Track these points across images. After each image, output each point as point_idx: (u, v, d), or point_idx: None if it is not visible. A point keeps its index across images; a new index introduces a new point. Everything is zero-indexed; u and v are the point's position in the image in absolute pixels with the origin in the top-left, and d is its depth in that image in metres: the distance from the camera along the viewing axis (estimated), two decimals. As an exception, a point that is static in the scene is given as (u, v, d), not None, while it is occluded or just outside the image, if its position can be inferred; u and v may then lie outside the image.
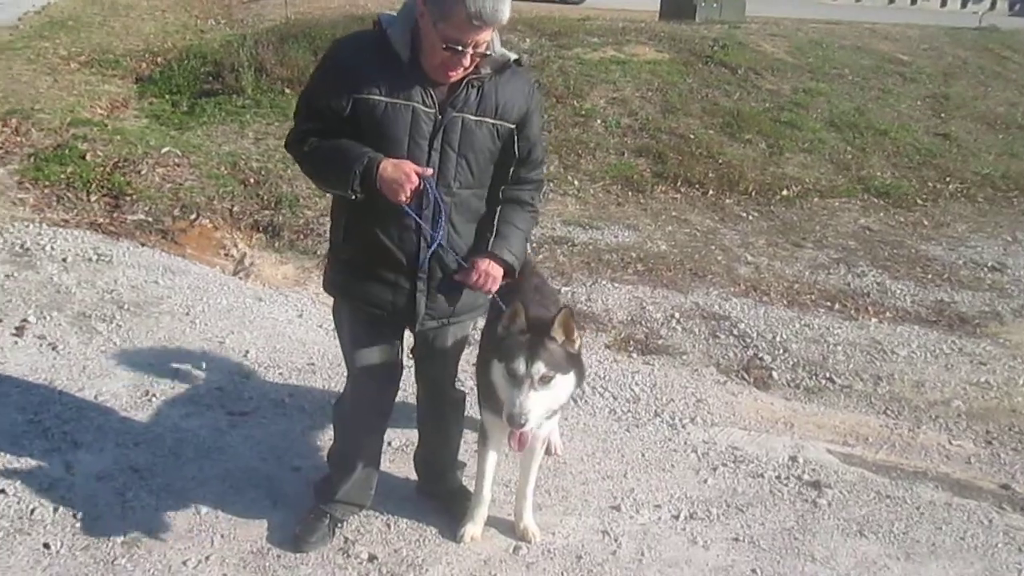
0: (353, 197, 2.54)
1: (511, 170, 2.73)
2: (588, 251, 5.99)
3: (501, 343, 2.61)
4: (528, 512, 3.11)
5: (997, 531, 3.40)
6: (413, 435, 3.39)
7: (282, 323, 4.65)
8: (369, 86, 2.50)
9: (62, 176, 6.19)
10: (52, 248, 5.09)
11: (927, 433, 4.17)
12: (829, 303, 5.53)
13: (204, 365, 4.10)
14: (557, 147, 7.66)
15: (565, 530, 3.18)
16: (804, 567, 3.11)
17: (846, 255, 6.39)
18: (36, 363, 3.94)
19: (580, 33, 10.60)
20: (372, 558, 2.94)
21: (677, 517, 3.31)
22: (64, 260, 4.98)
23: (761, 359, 4.74)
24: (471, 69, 2.52)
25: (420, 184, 2.50)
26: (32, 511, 2.99)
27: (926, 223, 7.31)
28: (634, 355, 4.71)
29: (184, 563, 2.84)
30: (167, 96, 8.81)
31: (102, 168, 6.37)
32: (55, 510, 3.01)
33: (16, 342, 4.10)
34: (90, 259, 5.04)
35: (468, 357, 3.25)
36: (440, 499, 3.22)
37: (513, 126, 2.65)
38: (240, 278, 5.24)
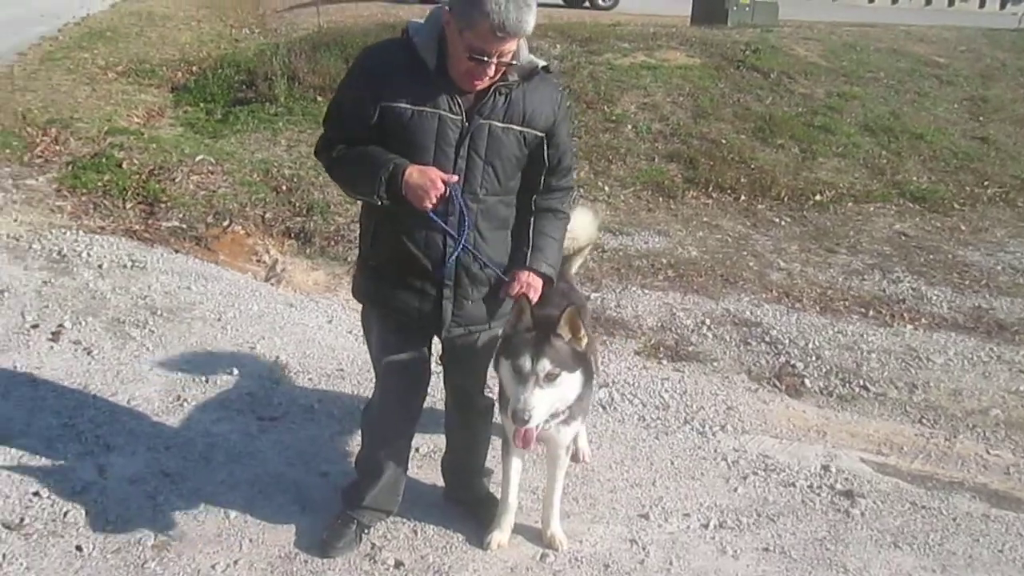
0: (379, 203, 2.55)
1: (541, 178, 2.73)
2: (618, 257, 5.96)
3: (507, 340, 2.61)
4: (555, 520, 3.09)
5: (1036, 543, 3.32)
6: (440, 441, 3.39)
7: (312, 329, 4.68)
8: (396, 94, 2.52)
9: (99, 184, 6.31)
10: (88, 255, 5.18)
11: (964, 443, 4.08)
12: (863, 309, 5.45)
13: (235, 370, 4.14)
14: (587, 153, 7.64)
15: (593, 538, 3.15)
16: (836, 578, 3.06)
17: (881, 261, 6.29)
18: (71, 368, 4.00)
19: (611, 39, 10.57)
20: (399, 564, 2.94)
21: (706, 526, 3.28)
22: (100, 266, 5.06)
23: (793, 366, 4.68)
24: (498, 77, 2.52)
25: (446, 191, 2.50)
26: (65, 514, 3.04)
27: (963, 228, 7.17)
28: (664, 362, 4.67)
29: (213, 567, 2.87)
30: (202, 104, 8.97)
31: (138, 176, 6.48)
32: (87, 513, 3.06)
33: (52, 347, 4.17)
34: (125, 265, 5.12)
35: (496, 364, 3.25)
36: (467, 506, 3.21)
37: (541, 134, 2.65)
38: (272, 284, 5.29)
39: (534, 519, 3.15)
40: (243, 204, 6.22)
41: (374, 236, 2.73)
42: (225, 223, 5.93)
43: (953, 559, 3.20)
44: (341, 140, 2.63)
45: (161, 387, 3.93)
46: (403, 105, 2.51)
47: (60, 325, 4.36)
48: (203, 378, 4.04)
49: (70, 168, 6.57)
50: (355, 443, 3.48)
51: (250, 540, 3.01)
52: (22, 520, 2.99)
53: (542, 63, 2.64)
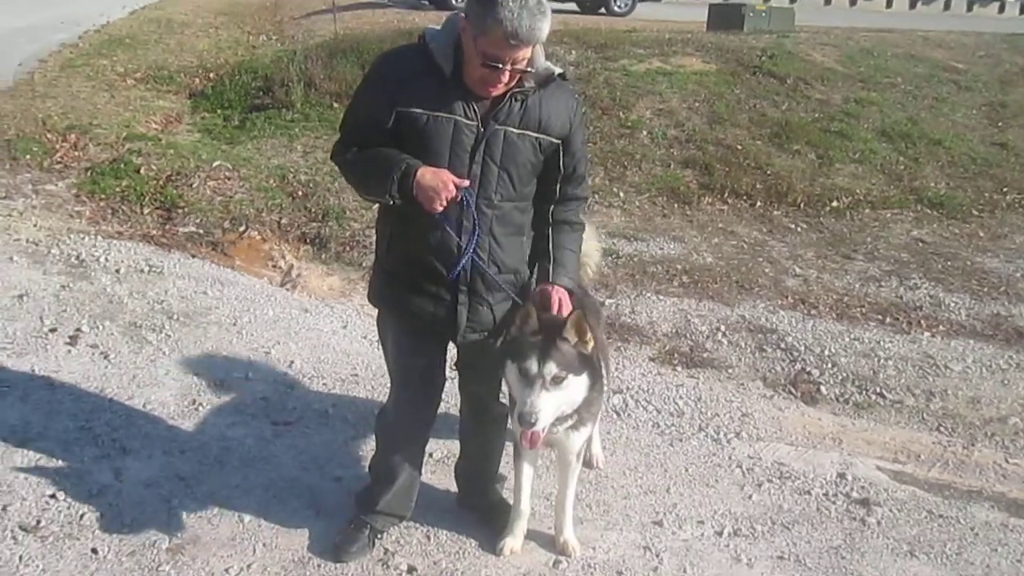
0: (391, 203, 2.57)
1: (557, 186, 2.74)
2: (633, 263, 5.95)
3: (514, 344, 2.61)
4: (568, 526, 3.08)
5: (1056, 554, 3.28)
6: (454, 447, 3.40)
7: (327, 334, 4.69)
8: (412, 99, 2.53)
9: (117, 189, 6.37)
10: (106, 259, 5.22)
11: (982, 451, 4.04)
12: (880, 316, 5.41)
13: (250, 375, 4.16)
14: (603, 159, 7.64)
15: (606, 545, 3.14)
16: (852, 587, 3.03)
17: (898, 267, 6.24)
18: (88, 371, 4.03)
19: (626, 45, 10.57)
20: (411, 569, 2.94)
21: (721, 534, 3.26)
22: (117, 271, 5.10)
23: (809, 373, 4.65)
24: (514, 84, 2.53)
25: (457, 195, 2.51)
26: (81, 516, 3.06)
27: (982, 235, 7.11)
28: (679, 368, 4.65)
29: (226, 571, 2.88)
30: (219, 111, 9.03)
31: (155, 181, 6.54)
32: (103, 516, 3.07)
33: (70, 351, 4.20)
34: (142, 270, 5.16)
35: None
36: (480, 511, 3.21)
37: (556, 141, 2.65)
38: (287, 289, 5.31)
39: (547, 525, 3.15)
40: (259, 210, 6.26)
41: (390, 241, 2.74)
42: (241, 228, 5.96)
43: (971, 569, 3.16)
44: (356, 144, 2.65)
45: (177, 391, 3.95)
46: (418, 111, 2.52)
47: (78, 329, 4.39)
48: (218, 382, 4.06)
49: (89, 174, 6.64)
50: (369, 448, 3.49)
51: (264, 544, 3.01)
52: (38, 522, 3.01)
53: (559, 70, 2.65)
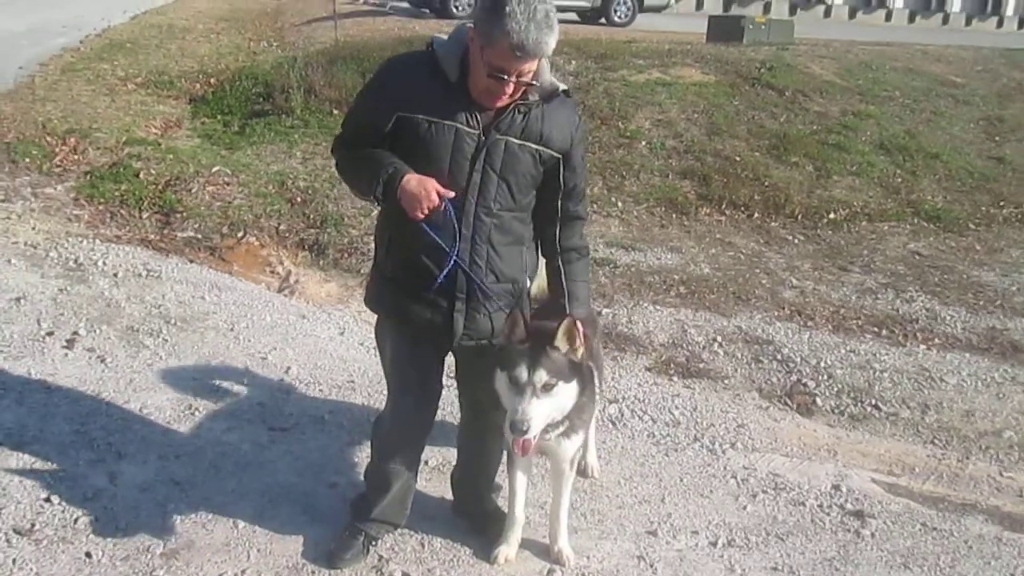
0: (376, 204, 2.63)
1: (558, 203, 2.76)
2: (630, 273, 5.96)
3: (503, 352, 2.62)
4: (562, 535, 3.08)
5: (1049, 568, 3.29)
6: (449, 455, 3.41)
7: (324, 340, 4.70)
8: (414, 104, 2.55)
9: (116, 193, 6.39)
10: (104, 263, 5.23)
11: (977, 464, 4.05)
12: (876, 329, 5.42)
13: (246, 381, 4.17)
14: (601, 168, 7.66)
15: (600, 554, 3.14)
16: (845, 599, 3.04)
17: (894, 280, 6.26)
18: (85, 375, 4.03)
19: (626, 55, 10.61)
20: (405, 577, 2.94)
21: (715, 544, 3.26)
22: (115, 275, 5.11)
23: (805, 385, 4.66)
24: (518, 96, 2.54)
25: (440, 204, 2.53)
26: (76, 520, 3.06)
27: (978, 248, 7.13)
28: (675, 378, 4.66)
29: (220, 576, 2.88)
30: (219, 116, 9.05)
31: (154, 186, 6.56)
32: (98, 520, 3.07)
33: (67, 354, 4.20)
34: (140, 274, 5.17)
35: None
36: (475, 520, 3.21)
37: (557, 155, 2.67)
38: (285, 295, 5.32)
39: (542, 534, 3.15)
40: (258, 215, 6.27)
41: (388, 246, 2.76)
42: (240, 234, 5.98)
43: (964, 582, 3.17)
44: (353, 143, 2.69)
45: (173, 396, 3.95)
46: (421, 116, 2.55)
47: (75, 332, 4.40)
48: (215, 388, 4.07)
49: (88, 177, 6.65)
50: (365, 455, 3.49)
51: (258, 550, 3.01)
52: (33, 526, 3.01)
53: (563, 86, 2.67)
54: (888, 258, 6.72)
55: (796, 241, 6.95)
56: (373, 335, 3.05)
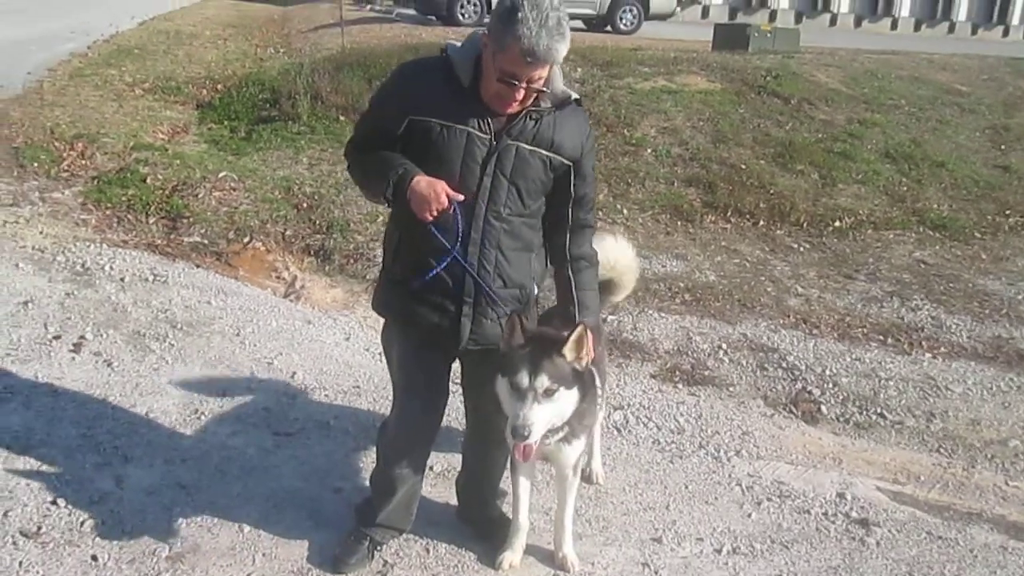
0: (386, 204, 2.66)
1: (569, 211, 2.77)
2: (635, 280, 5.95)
3: (504, 358, 2.62)
4: (567, 541, 3.08)
5: (1055, 577, 3.28)
6: (454, 460, 3.41)
7: (329, 346, 4.71)
8: (427, 108, 2.58)
9: (123, 198, 6.41)
10: (111, 268, 5.25)
11: (982, 473, 4.04)
12: (881, 337, 5.42)
13: (252, 385, 4.18)
14: (607, 176, 7.67)
15: (605, 561, 3.14)
16: (850, 607, 3.03)
17: (900, 288, 6.26)
18: (91, 379, 4.05)
19: (632, 63, 10.64)
20: (410, 582, 2.95)
21: (720, 551, 3.26)
22: (122, 280, 5.13)
23: (810, 392, 4.66)
24: (530, 102, 2.56)
25: (449, 207, 2.54)
26: (82, 523, 3.07)
27: (984, 257, 7.12)
28: (680, 386, 4.66)
29: (226, 580, 2.88)
30: (226, 122, 9.09)
31: (161, 191, 6.58)
32: (104, 523, 3.08)
33: (73, 358, 4.22)
34: (146, 279, 5.18)
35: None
36: (480, 526, 3.21)
37: (567, 162, 2.69)
38: (290, 301, 5.33)
39: (547, 540, 3.15)
40: (264, 221, 6.29)
41: (396, 249, 2.77)
42: (246, 239, 5.99)
43: (970, 591, 3.16)
44: (365, 146, 2.72)
45: (179, 400, 3.96)
46: (433, 120, 2.57)
47: (82, 337, 4.41)
48: (220, 392, 4.07)
49: (95, 182, 6.67)
50: (369, 460, 3.50)
51: (263, 554, 3.02)
52: (39, 528, 3.02)
53: (575, 95, 2.69)
54: (893, 266, 6.71)
55: (801, 249, 6.95)
56: (378, 341, 3.06)
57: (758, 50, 12.99)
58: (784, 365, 4.92)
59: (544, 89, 2.53)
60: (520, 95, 2.49)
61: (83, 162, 7.11)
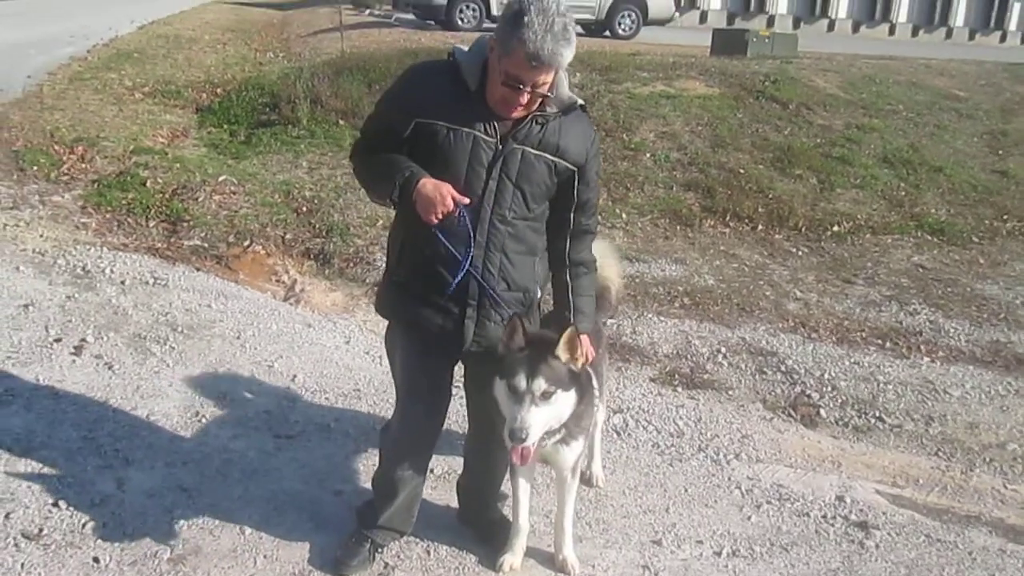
0: (392, 206, 2.68)
1: (571, 215, 2.78)
2: (634, 284, 5.98)
3: (502, 360, 2.63)
4: (567, 544, 3.09)
5: (1054, 580, 3.29)
6: (455, 463, 3.42)
7: (330, 349, 4.72)
8: (433, 111, 2.59)
9: (123, 202, 6.42)
10: (111, 271, 5.26)
11: (981, 476, 4.05)
12: (880, 341, 5.44)
13: (253, 388, 4.19)
14: (606, 180, 7.68)
15: (605, 563, 3.15)
16: (850, 610, 3.04)
17: (898, 292, 6.27)
18: (92, 382, 4.06)
19: (630, 68, 10.67)
20: (411, 584, 2.95)
21: (719, 554, 3.27)
22: (122, 283, 5.14)
23: (809, 396, 4.67)
24: (535, 107, 2.58)
25: (455, 210, 2.55)
26: (83, 525, 3.07)
27: (982, 261, 7.15)
28: (679, 389, 4.67)
29: (227, 582, 2.89)
30: (225, 126, 9.10)
31: (161, 195, 6.59)
32: (105, 525, 3.09)
33: (74, 361, 4.23)
34: (147, 282, 5.19)
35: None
36: (481, 528, 3.22)
37: (572, 167, 2.70)
38: (290, 304, 5.34)
39: (547, 543, 3.16)
40: (264, 224, 6.30)
41: (401, 251, 2.78)
42: (246, 243, 6.00)
43: (968, 593, 3.18)
44: (371, 148, 2.72)
45: (180, 403, 3.97)
46: (439, 123, 2.58)
47: (83, 339, 4.42)
48: (221, 395, 4.08)
49: (95, 186, 6.69)
50: (370, 463, 3.51)
51: (264, 556, 3.03)
52: (41, 530, 3.03)
53: (580, 101, 2.71)
54: (892, 271, 6.73)
55: (800, 253, 6.97)
56: (379, 344, 3.08)
57: (756, 55, 13.01)
58: (783, 369, 4.93)
59: (549, 94, 2.55)
60: (525, 99, 2.51)
61: (83, 165, 7.13)
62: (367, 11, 21.80)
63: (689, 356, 5.03)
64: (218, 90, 10.64)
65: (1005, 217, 8.09)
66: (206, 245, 5.91)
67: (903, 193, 8.31)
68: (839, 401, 4.64)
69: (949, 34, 30.71)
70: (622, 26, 18.15)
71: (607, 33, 17.77)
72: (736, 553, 3.28)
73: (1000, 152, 9.74)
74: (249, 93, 9.97)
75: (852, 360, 5.12)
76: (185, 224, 6.16)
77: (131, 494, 3.28)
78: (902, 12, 30.60)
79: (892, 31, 30.23)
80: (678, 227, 7.23)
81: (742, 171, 8.21)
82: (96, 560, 2.92)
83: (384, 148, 2.67)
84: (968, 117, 10.64)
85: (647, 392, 4.59)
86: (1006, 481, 4.02)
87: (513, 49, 2.41)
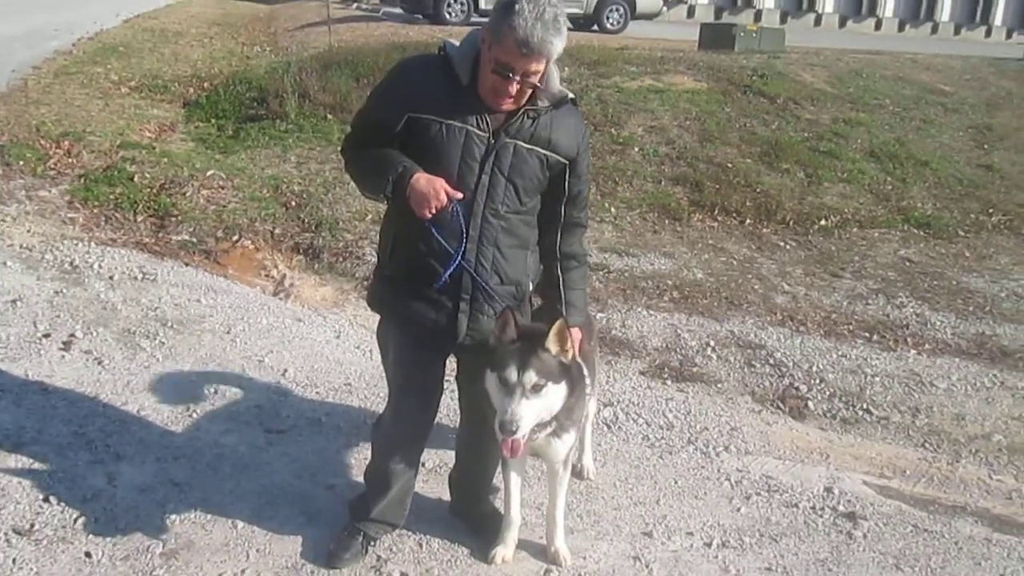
0: (385, 201, 2.69)
1: (562, 208, 2.80)
2: (624, 278, 6.00)
3: (493, 353, 2.64)
4: (559, 536, 3.11)
5: (1038, 568, 3.33)
6: (446, 456, 3.43)
7: (320, 343, 4.72)
8: (426, 106, 2.59)
9: (111, 197, 6.38)
10: (100, 266, 5.24)
11: (967, 467, 4.10)
12: (867, 334, 5.48)
13: (243, 383, 4.18)
14: (595, 175, 7.69)
15: (596, 555, 3.17)
16: (838, 599, 3.07)
17: (885, 286, 6.32)
18: (82, 377, 4.04)
19: (619, 62, 10.69)
20: (404, 577, 2.97)
21: (709, 545, 3.29)
22: (111, 278, 5.12)
23: (797, 389, 4.71)
24: (527, 99, 2.60)
25: (448, 205, 2.56)
26: (75, 520, 3.07)
27: (968, 255, 7.21)
28: (668, 382, 4.70)
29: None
30: (213, 120, 9.06)
31: (149, 189, 6.55)
32: (97, 520, 3.08)
33: (64, 356, 4.21)
34: (136, 277, 5.17)
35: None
36: (473, 521, 3.23)
37: (564, 161, 2.72)
38: (280, 299, 5.33)
39: (539, 535, 3.17)
40: (252, 219, 6.28)
41: (393, 246, 2.78)
42: (234, 237, 5.98)
43: (955, 582, 3.21)
44: (363, 143, 2.73)
45: (170, 398, 3.96)
46: (432, 117, 2.59)
47: (71, 335, 4.40)
48: (212, 390, 4.08)
49: (82, 181, 6.64)
50: (361, 456, 3.52)
51: (257, 550, 3.03)
52: (32, 526, 3.02)
53: (571, 95, 2.72)
54: (879, 264, 6.78)
55: (788, 247, 7.01)
56: (369, 338, 3.08)
57: (744, 50, 13.07)
58: (771, 362, 4.97)
59: (538, 85, 2.55)
60: (514, 89, 2.51)
61: (69, 160, 7.08)
62: (354, 5, 21.72)
63: (678, 349, 5.06)
64: (205, 84, 10.58)
65: (991, 211, 8.16)
66: (194, 240, 5.88)
67: (890, 187, 8.37)
68: (827, 393, 4.68)
69: (935, 29, 30.87)
70: (610, 20, 18.18)
71: (595, 27, 17.78)
72: (726, 544, 3.31)
73: (985, 146, 9.82)
74: (236, 87, 9.92)
75: (840, 353, 5.16)
76: (173, 219, 6.13)
77: (122, 489, 3.28)
78: (888, 7, 30.75)
79: (878, 26, 30.37)
80: (667, 221, 7.25)
81: (730, 165, 8.24)
82: (88, 555, 2.92)
83: (375, 143, 2.67)
84: (954, 112, 10.71)
85: (637, 385, 4.61)
86: (991, 472, 4.07)
87: (504, 36, 2.43)
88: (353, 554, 2.99)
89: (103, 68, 11.07)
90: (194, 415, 3.86)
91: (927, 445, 4.27)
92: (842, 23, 30.19)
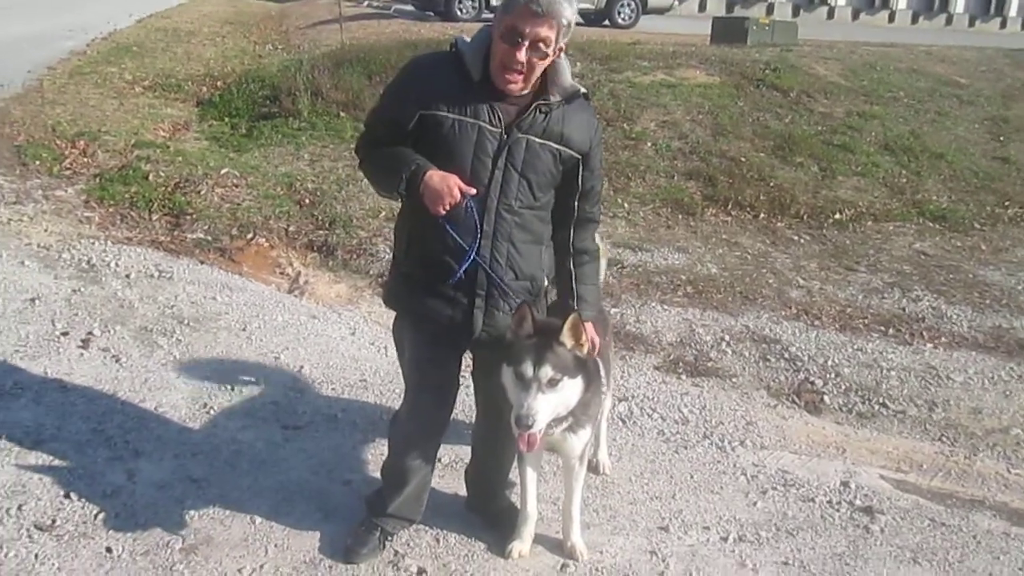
0: (399, 199, 2.70)
1: (575, 203, 2.81)
2: (638, 273, 6.00)
3: (510, 347, 2.65)
4: (575, 531, 3.11)
5: (1058, 562, 3.32)
6: (462, 452, 3.44)
7: (335, 340, 4.74)
8: (438, 102, 2.60)
9: (126, 196, 6.43)
10: (116, 264, 5.27)
11: (984, 461, 4.08)
12: (883, 328, 5.45)
13: (260, 380, 4.20)
14: (607, 170, 7.68)
15: (613, 549, 3.18)
16: (856, 593, 3.07)
17: (900, 279, 6.29)
18: (100, 375, 4.08)
19: (631, 57, 10.66)
20: (421, 571, 2.98)
21: (726, 539, 3.29)
22: (127, 276, 5.15)
23: (812, 383, 4.69)
24: (538, 89, 2.60)
25: (462, 201, 2.56)
26: (95, 516, 3.10)
27: (984, 248, 7.16)
28: (683, 377, 4.69)
29: (239, 571, 2.91)
30: (226, 119, 9.11)
31: (164, 188, 6.59)
32: (117, 516, 3.11)
33: (82, 354, 4.25)
34: (152, 275, 5.21)
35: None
36: (489, 516, 3.24)
37: (576, 155, 2.72)
38: (295, 296, 5.36)
39: (555, 530, 3.18)
40: (267, 217, 6.31)
41: (408, 242, 2.79)
42: (249, 235, 6.01)
43: (973, 576, 3.20)
44: (376, 141, 2.73)
45: (188, 395, 3.99)
46: (444, 113, 2.59)
47: (89, 333, 4.44)
48: (228, 386, 4.10)
49: (98, 180, 6.69)
50: (378, 452, 3.53)
51: (275, 545, 3.05)
52: (54, 521, 3.05)
53: (583, 89, 2.72)
54: (894, 258, 6.75)
55: (802, 241, 6.98)
56: (384, 335, 3.10)
57: (756, 43, 12.99)
58: (786, 356, 4.95)
59: (548, 52, 2.53)
60: (523, 55, 2.50)
61: (85, 160, 7.13)
62: (366, 2, 21.73)
63: (693, 344, 5.05)
64: (218, 83, 10.63)
65: (1007, 203, 8.11)
66: (209, 238, 5.92)
67: (904, 180, 8.32)
68: (843, 388, 4.66)
69: (949, 21, 30.63)
70: (621, 15, 18.13)
71: (607, 22, 17.73)
72: (742, 538, 3.31)
73: (1001, 138, 9.75)
74: (249, 86, 9.96)
75: (855, 347, 5.14)
76: (188, 217, 6.17)
77: (142, 485, 3.30)
78: (902, -1, 30.55)
79: (892, 18, 30.16)
80: (680, 216, 7.24)
81: (743, 159, 8.22)
82: (109, 550, 2.95)
83: (389, 141, 2.68)
84: (969, 104, 10.64)
85: (652, 380, 4.61)
86: (1010, 465, 4.05)
87: (514, 4, 2.46)
88: (371, 549, 3.00)
89: (117, 68, 11.14)
90: (211, 412, 3.88)
91: (944, 439, 4.25)
92: (855, 16, 29.99)
